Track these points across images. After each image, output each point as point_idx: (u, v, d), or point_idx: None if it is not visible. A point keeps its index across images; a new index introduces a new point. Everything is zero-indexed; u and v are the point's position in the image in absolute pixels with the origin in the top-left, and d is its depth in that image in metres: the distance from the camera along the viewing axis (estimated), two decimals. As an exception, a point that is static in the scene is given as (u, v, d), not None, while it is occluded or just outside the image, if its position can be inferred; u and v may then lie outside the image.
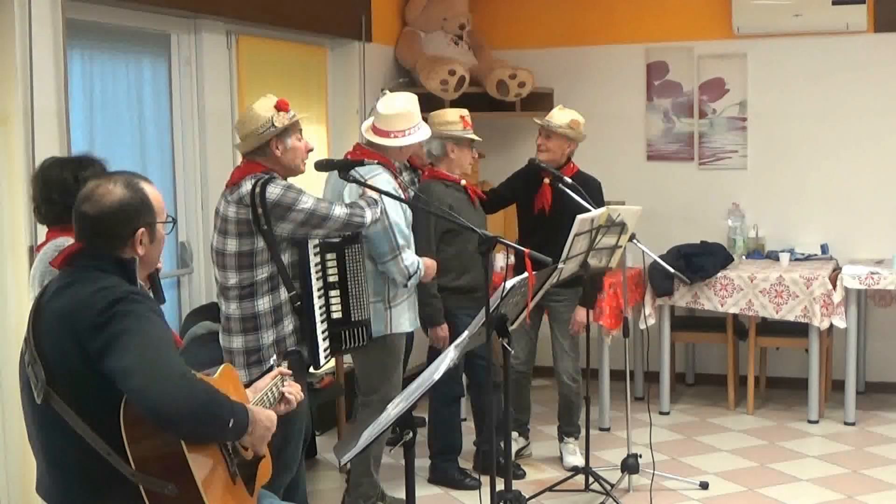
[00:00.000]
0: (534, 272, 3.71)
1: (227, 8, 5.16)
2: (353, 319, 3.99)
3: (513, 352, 3.93)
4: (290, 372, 2.99)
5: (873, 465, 5.42)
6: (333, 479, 5.35)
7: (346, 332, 3.99)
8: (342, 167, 4.09)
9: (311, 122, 6.03)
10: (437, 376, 3.04)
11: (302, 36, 6.04)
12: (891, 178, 6.69)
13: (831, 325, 6.07)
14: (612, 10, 7.16)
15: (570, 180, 5.06)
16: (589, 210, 4.69)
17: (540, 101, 6.95)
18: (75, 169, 3.37)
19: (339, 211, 3.92)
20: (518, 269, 4.31)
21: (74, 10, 4.32)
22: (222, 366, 2.83)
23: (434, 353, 4.97)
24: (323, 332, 3.93)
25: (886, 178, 6.69)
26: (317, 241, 3.92)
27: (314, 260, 3.90)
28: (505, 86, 6.61)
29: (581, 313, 5.27)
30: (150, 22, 4.90)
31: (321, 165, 4.29)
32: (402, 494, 3.64)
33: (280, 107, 3.90)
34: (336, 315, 3.97)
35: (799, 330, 6.18)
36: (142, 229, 2.62)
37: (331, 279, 3.95)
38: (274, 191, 3.79)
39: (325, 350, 3.93)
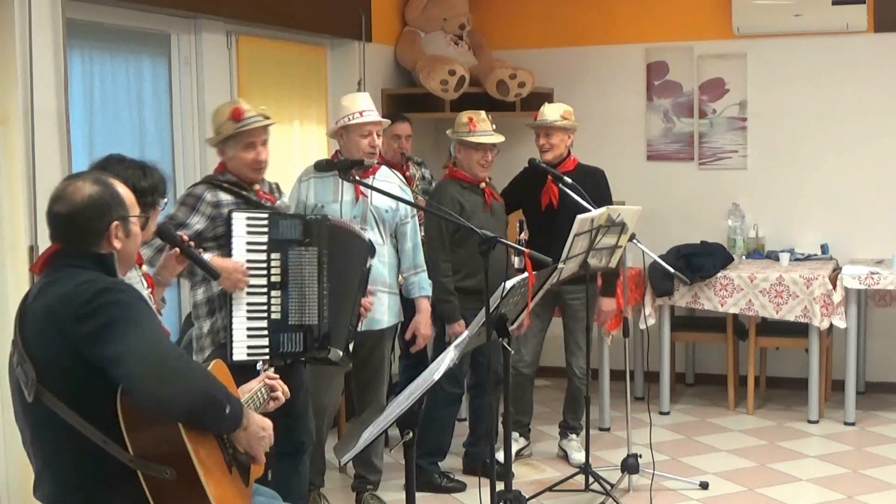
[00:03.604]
0: (534, 272, 3.71)
1: (227, 8, 5.16)
2: (289, 323, 3.93)
3: (512, 352, 3.93)
4: (276, 376, 2.99)
5: (873, 465, 5.42)
6: (333, 480, 5.35)
7: (284, 336, 3.93)
8: (342, 167, 4.10)
9: (310, 122, 6.04)
10: (437, 376, 3.04)
11: (302, 36, 6.04)
12: (891, 178, 6.69)
13: (831, 325, 6.07)
14: (612, 10, 7.16)
15: (569, 180, 5.07)
16: (589, 209, 4.71)
17: (540, 101, 6.92)
18: (138, 177, 3.11)
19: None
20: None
21: (74, 10, 4.32)
22: (213, 361, 2.85)
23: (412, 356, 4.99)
24: (255, 330, 3.88)
25: (886, 178, 6.69)
26: (264, 239, 3.88)
27: (257, 256, 3.88)
28: (505, 86, 6.61)
29: (606, 303, 5.33)
30: (150, 22, 4.90)
31: (321, 165, 4.30)
32: (402, 495, 3.65)
33: (233, 115, 3.91)
34: (275, 316, 3.91)
35: (799, 330, 6.18)
36: (115, 223, 2.64)
37: (273, 279, 3.91)
38: (184, 192, 3.94)
39: (250, 348, 3.87)
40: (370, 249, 4.19)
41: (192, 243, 3.30)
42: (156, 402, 2.42)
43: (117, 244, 2.65)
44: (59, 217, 2.62)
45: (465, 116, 5.08)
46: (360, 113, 4.51)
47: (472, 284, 4.99)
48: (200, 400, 2.47)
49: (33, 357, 2.51)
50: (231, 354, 3.81)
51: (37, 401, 2.51)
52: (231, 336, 3.86)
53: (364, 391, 4.78)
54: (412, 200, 4.78)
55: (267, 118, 4.01)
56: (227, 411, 2.54)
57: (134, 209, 2.72)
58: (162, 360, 2.43)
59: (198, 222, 3.87)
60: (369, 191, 4.52)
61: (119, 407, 2.45)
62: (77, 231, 2.61)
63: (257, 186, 4.02)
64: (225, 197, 3.93)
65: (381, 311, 4.61)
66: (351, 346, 4.16)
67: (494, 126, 5.12)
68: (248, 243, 3.88)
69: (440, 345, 5.09)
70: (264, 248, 3.90)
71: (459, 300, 4.97)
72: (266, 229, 3.89)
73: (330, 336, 3.99)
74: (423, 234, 5.06)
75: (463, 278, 5.00)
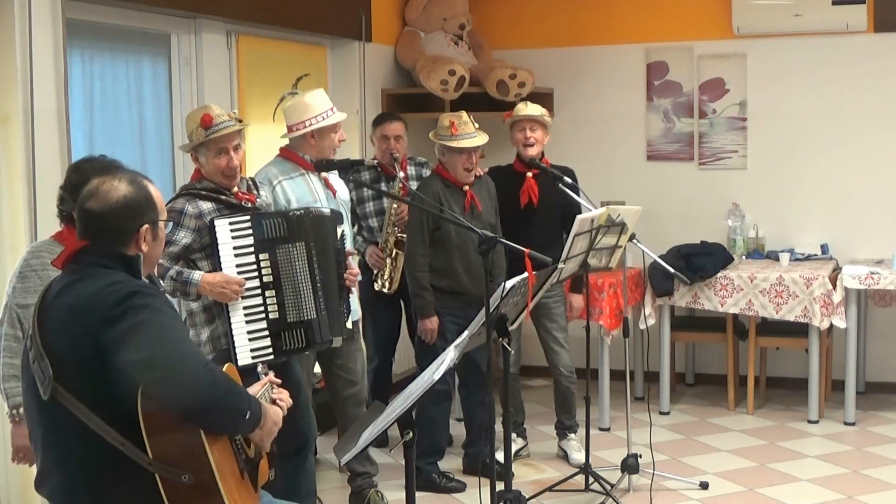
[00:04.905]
0: (534, 272, 3.70)
1: (227, 8, 5.17)
2: (288, 320, 3.96)
3: (512, 352, 3.92)
4: (279, 381, 3.00)
5: (873, 465, 5.42)
6: (333, 480, 5.35)
7: (285, 334, 3.97)
8: (342, 167, 4.09)
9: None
10: (436, 376, 3.04)
11: (302, 36, 6.04)
12: (891, 177, 6.69)
13: (831, 325, 6.07)
14: (612, 10, 7.16)
15: (569, 180, 5.07)
16: (590, 209, 4.71)
17: (540, 101, 6.88)
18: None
19: None
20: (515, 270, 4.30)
21: (74, 10, 4.32)
22: (225, 365, 2.84)
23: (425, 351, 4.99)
24: (256, 332, 3.91)
25: (886, 178, 6.69)
26: (249, 241, 3.90)
27: (246, 260, 3.90)
28: (505, 86, 6.61)
29: (577, 299, 5.30)
30: (150, 22, 4.90)
31: (321, 165, 4.29)
32: (401, 494, 3.65)
33: (203, 121, 3.89)
34: (273, 316, 3.95)
35: (799, 330, 6.18)
36: (146, 226, 2.64)
37: (265, 279, 3.94)
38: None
39: (254, 350, 3.90)
40: (336, 218, 4.20)
41: None
42: (181, 409, 2.42)
43: (145, 247, 2.65)
44: (92, 215, 2.61)
45: (446, 120, 5.04)
46: (332, 110, 4.49)
47: (446, 285, 5.00)
48: (226, 408, 2.49)
49: (51, 355, 2.49)
50: (235, 360, 3.81)
51: (52, 399, 2.49)
52: (233, 342, 3.87)
53: (343, 388, 4.64)
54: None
55: (239, 121, 3.98)
56: (248, 416, 2.56)
57: (163, 213, 2.73)
58: (191, 368, 2.43)
59: (184, 237, 3.87)
60: (336, 186, 4.54)
61: (140, 410, 2.43)
62: (108, 231, 2.61)
63: (235, 189, 4.02)
64: (205, 205, 3.92)
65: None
66: (349, 322, 4.20)
67: (478, 125, 5.06)
68: (235, 248, 3.89)
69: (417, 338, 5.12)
70: (251, 250, 3.91)
71: (437, 298, 5.00)
72: (250, 231, 3.91)
73: (330, 326, 4.04)
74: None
75: (437, 277, 5.00)
